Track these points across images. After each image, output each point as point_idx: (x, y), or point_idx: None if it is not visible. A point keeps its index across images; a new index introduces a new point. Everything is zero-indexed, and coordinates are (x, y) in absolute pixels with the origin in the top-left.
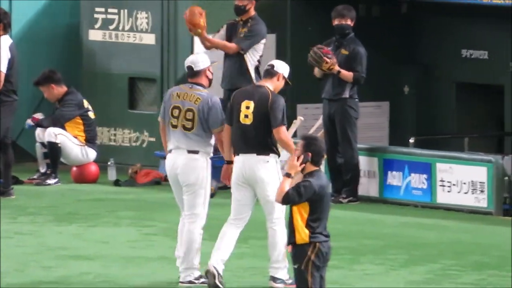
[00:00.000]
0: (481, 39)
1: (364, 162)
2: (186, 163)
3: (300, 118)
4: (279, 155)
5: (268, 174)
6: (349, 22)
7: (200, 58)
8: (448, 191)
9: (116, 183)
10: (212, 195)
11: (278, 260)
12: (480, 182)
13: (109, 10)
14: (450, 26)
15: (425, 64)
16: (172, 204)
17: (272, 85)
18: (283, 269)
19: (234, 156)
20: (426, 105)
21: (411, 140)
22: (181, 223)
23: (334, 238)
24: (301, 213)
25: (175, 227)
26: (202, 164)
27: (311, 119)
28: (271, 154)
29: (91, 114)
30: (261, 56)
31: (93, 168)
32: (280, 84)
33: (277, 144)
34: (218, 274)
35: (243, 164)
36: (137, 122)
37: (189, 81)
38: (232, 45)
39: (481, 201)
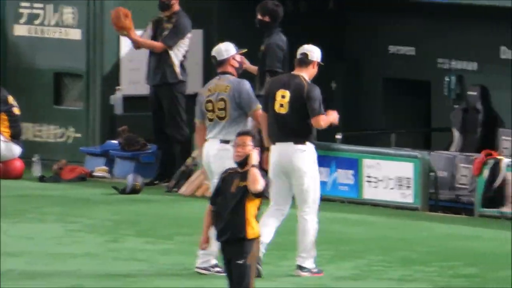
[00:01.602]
0: (408, 35)
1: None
2: (217, 153)
3: None
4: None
5: (304, 163)
6: (266, 18)
7: (224, 47)
8: (375, 187)
9: (41, 179)
10: (138, 191)
11: (306, 249)
12: (407, 178)
13: (35, 5)
14: (377, 22)
15: (352, 60)
16: (97, 201)
17: (307, 74)
18: (310, 259)
19: (271, 145)
20: (353, 101)
21: (338, 136)
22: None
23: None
24: (252, 208)
25: (100, 223)
26: (231, 154)
27: None
28: (307, 143)
29: (16, 110)
30: (187, 51)
31: (18, 164)
32: (315, 71)
33: (313, 137)
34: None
35: (280, 153)
36: (62, 118)
37: (217, 71)
38: (159, 44)
39: (407, 196)
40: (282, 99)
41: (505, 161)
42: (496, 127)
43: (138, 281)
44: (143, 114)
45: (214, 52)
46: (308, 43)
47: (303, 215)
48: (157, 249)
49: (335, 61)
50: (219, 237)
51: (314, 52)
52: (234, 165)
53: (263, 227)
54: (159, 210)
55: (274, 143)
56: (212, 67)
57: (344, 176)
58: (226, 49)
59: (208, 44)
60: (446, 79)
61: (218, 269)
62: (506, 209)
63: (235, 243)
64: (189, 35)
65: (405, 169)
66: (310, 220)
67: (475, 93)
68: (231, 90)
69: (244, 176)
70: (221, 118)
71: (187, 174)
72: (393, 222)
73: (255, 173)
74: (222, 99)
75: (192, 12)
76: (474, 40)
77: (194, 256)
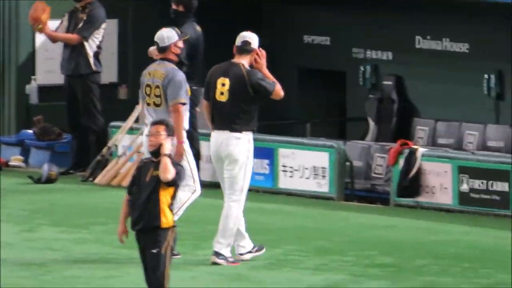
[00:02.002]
0: (323, 25)
1: (206, 148)
2: None
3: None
4: (253, 132)
5: (237, 151)
6: (180, 8)
7: (166, 34)
8: (290, 176)
9: None
10: (53, 181)
11: (225, 236)
12: (322, 168)
13: None
14: (292, 12)
15: (268, 49)
16: (13, 190)
17: (247, 61)
18: (227, 247)
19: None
20: None
21: None
22: None
23: (177, 224)
24: (166, 197)
25: (16, 213)
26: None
27: None
28: (244, 132)
29: None
30: (101, 42)
31: None
32: (253, 58)
33: (253, 121)
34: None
35: (217, 140)
36: None
37: (159, 57)
38: (74, 37)
39: (323, 186)
40: (222, 87)
41: (420, 150)
42: (411, 116)
43: (53, 270)
44: (58, 103)
45: (156, 38)
46: (223, 33)
47: (229, 201)
48: (72, 239)
49: None
50: (133, 226)
51: (254, 39)
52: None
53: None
54: (75, 200)
55: (214, 131)
56: (127, 57)
57: (260, 165)
58: (168, 36)
59: (123, 34)
60: (361, 69)
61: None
62: (421, 199)
63: (149, 232)
64: (103, 25)
65: (321, 158)
66: (233, 207)
67: (390, 83)
68: (165, 78)
69: (157, 165)
70: (157, 105)
71: (102, 164)
72: (308, 212)
73: (166, 162)
74: (157, 86)
75: (108, 1)
76: (389, 30)
77: (109, 245)
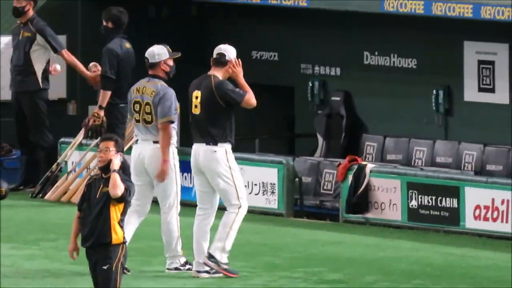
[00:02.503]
0: (271, 40)
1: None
2: (153, 154)
3: None
4: (231, 144)
5: (216, 163)
6: (109, 24)
7: (157, 50)
8: None
9: None
10: (2, 197)
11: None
12: (271, 184)
13: None
14: (240, 28)
15: None
16: None
17: (221, 74)
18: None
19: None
20: None
21: None
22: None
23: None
24: (116, 213)
25: None
26: (168, 154)
27: None
28: (219, 144)
29: None
30: (48, 58)
31: None
32: (229, 71)
33: (229, 133)
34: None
35: (194, 153)
36: None
37: (148, 73)
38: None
39: (272, 202)
40: (196, 100)
41: (369, 166)
42: (360, 132)
43: (3, 286)
44: (7, 119)
45: (147, 54)
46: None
47: (229, 211)
48: (23, 255)
49: (198, 68)
50: (84, 243)
51: (230, 52)
52: (171, 166)
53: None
54: (25, 216)
55: (194, 143)
56: (76, 73)
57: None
58: (159, 53)
59: (73, 49)
60: (310, 84)
61: (189, 266)
62: (370, 215)
63: (100, 248)
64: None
65: (270, 174)
66: (232, 214)
67: (338, 99)
68: (156, 95)
69: (107, 181)
70: (147, 122)
71: (52, 180)
72: (257, 228)
73: (115, 178)
74: (148, 104)
75: (55, 16)
76: (338, 45)
77: (59, 262)
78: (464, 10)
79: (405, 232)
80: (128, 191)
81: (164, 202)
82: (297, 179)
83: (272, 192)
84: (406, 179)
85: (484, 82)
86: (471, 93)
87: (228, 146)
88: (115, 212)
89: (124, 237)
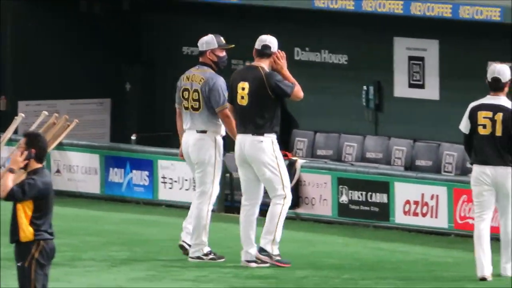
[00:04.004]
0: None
1: (85, 159)
2: (195, 142)
3: (21, 115)
4: (277, 134)
5: (262, 154)
6: None
7: (206, 39)
8: (170, 188)
9: None
10: None
11: (270, 232)
12: None
13: None
14: (171, 23)
15: (147, 61)
16: None
17: (267, 65)
18: (274, 244)
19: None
20: (148, 102)
21: (133, 137)
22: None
23: (56, 235)
24: (25, 211)
25: None
26: (210, 143)
27: (32, 116)
28: (266, 135)
29: None
30: None
31: None
32: (273, 62)
33: (275, 124)
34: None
35: (240, 144)
36: None
37: (199, 60)
38: None
39: None
40: (242, 91)
41: (299, 162)
42: (290, 128)
43: None
44: None
45: (198, 42)
46: (101, 44)
47: (275, 200)
48: None
49: (130, 63)
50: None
51: (274, 43)
52: (212, 155)
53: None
54: None
55: (238, 134)
56: (5, 69)
57: (139, 177)
58: (207, 42)
59: (1, 46)
60: None
61: (212, 256)
62: (301, 210)
63: (15, 245)
64: None
65: None
66: (278, 205)
67: None
68: (204, 84)
69: None
70: (195, 109)
71: None
72: None
73: (5, 178)
74: (196, 91)
75: None
76: None
77: None
78: (395, 6)
79: (335, 227)
80: (20, 190)
81: (199, 188)
82: (228, 174)
83: None
84: (336, 175)
85: (414, 78)
86: (401, 89)
87: (273, 136)
88: (22, 210)
89: (36, 235)
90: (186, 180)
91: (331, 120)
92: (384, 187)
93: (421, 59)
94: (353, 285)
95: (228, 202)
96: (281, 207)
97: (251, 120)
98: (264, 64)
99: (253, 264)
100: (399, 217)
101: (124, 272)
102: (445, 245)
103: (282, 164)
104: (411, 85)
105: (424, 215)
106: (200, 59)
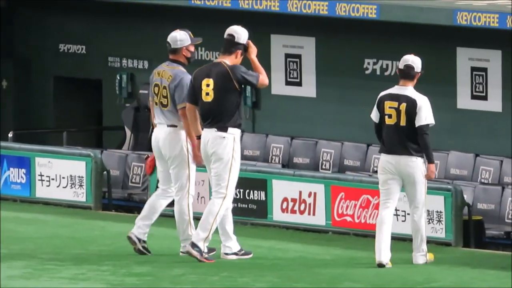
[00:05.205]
0: (78, 33)
1: None
2: (166, 137)
3: None
4: (240, 130)
5: (223, 149)
6: None
7: (179, 36)
8: (47, 186)
9: None
10: None
11: (204, 229)
12: (79, 177)
13: None
14: (47, 20)
15: (23, 58)
16: None
17: (230, 60)
18: (204, 241)
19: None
20: (24, 99)
21: (10, 135)
22: (153, 196)
23: None
24: None
25: None
26: (180, 137)
27: None
28: (229, 130)
29: None
30: None
31: None
32: (239, 59)
33: (238, 118)
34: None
35: (204, 139)
36: None
37: (169, 57)
38: None
39: (80, 195)
40: (207, 87)
41: None
42: None
43: None
44: None
45: (169, 39)
46: None
47: (215, 198)
48: None
49: (5, 59)
50: None
51: (242, 34)
52: (183, 149)
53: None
54: None
55: (203, 129)
56: None
57: (17, 174)
58: (181, 39)
59: None
60: (118, 77)
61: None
62: None
63: None
64: None
65: (78, 167)
66: (217, 204)
67: (146, 92)
68: (172, 80)
69: None
70: (164, 106)
71: None
72: (65, 221)
73: None
74: (165, 87)
75: None
76: (145, 38)
77: None
78: (271, 3)
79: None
80: None
81: (176, 184)
82: (105, 172)
83: (80, 185)
84: None
85: (291, 76)
86: (277, 86)
87: (237, 132)
88: None
89: None
90: (63, 177)
91: None
92: (262, 184)
93: (298, 56)
94: (232, 282)
95: (106, 200)
96: (219, 206)
97: (216, 115)
98: (227, 60)
99: (233, 257)
100: (277, 215)
101: (1, 270)
102: (323, 243)
103: (236, 164)
104: (288, 83)
105: (302, 212)
106: (171, 56)
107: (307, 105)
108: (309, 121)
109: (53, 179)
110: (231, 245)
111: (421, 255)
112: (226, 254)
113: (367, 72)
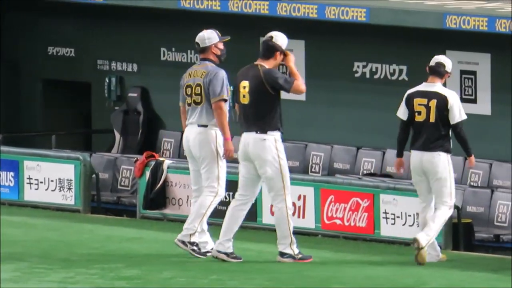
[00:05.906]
0: (67, 36)
1: None
2: (196, 136)
3: None
4: (281, 132)
5: (264, 151)
6: None
7: (207, 35)
8: (36, 189)
9: None
10: None
11: (284, 236)
12: (68, 180)
13: None
14: (36, 22)
15: (11, 60)
16: None
17: (268, 64)
18: (291, 245)
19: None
20: (13, 102)
21: None
22: (193, 198)
23: None
24: None
25: None
26: (210, 137)
27: None
28: (269, 132)
29: None
30: None
31: None
32: (278, 61)
33: (277, 120)
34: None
35: (244, 142)
36: None
37: (200, 57)
38: None
39: (68, 198)
40: (243, 89)
41: (166, 162)
42: (157, 128)
43: None
44: None
45: (197, 39)
46: None
47: (277, 205)
48: None
49: None
50: None
51: (280, 39)
52: (213, 149)
53: (228, 218)
54: None
55: (242, 132)
56: None
57: (5, 177)
58: (209, 37)
59: None
60: (106, 80)
61: (194, 247)
62: (167, 211)
63: None
64: None
65: (66, 171)
66: (283, 208)
67: (135, 95)
68: (206, 76)
69: None
70: (197, 103)
71: None
72: (54, 224)
73: None
74: (198, 85)
75: None
76: (134, 41)
77: None
78: (260, 7)
79: None
80: None
81: (205, 183)
82: (94, 175)
83: (69, 188)
84: None
85: None
86: None
87: (277, 134)
88: None
89: None
90: (52, 181)
91: None
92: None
93: None
94: (221, 285)
95: (95, 203)
96: (285, 211)
97: (253, 118)
98: (266, 64)
99: (223, 256)
100: (267, 218)
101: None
102: (313, 245)
103: (284, 163)
104: None
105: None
106: (201, 56)
107: (296, 108)
108: (298, 124)
109: (41, 182)
110: (227, 244)
111: (436, 255)
112: (219, 251)
113: (356, 75)
